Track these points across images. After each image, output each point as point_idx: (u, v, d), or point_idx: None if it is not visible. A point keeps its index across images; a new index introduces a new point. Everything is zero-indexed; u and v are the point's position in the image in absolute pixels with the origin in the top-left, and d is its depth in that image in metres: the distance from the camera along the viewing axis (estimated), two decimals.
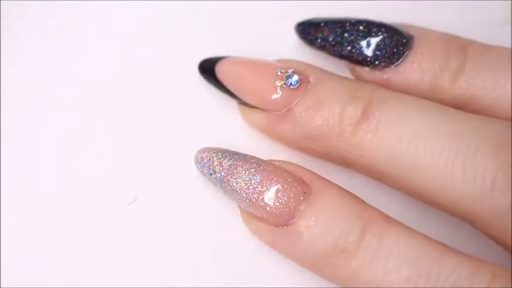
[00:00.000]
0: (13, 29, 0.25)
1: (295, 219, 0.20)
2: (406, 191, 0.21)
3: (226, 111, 0.24)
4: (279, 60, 0.23)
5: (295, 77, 0.22)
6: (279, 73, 0.22)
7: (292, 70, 0.22)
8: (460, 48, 0.22)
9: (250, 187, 0.21)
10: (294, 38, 0.24)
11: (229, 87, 0.23)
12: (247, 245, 0.23)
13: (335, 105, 0.21)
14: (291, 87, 0.22)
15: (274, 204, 0.20)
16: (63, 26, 0.25)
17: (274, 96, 0.22)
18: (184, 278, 0.22)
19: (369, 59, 0.23)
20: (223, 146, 0.22)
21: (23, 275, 0.22)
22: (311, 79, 0.22)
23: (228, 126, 0.24)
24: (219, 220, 0.23)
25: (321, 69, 0.23)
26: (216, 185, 0.22)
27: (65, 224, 0.23)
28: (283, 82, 0.22)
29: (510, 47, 0.22)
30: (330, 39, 0.23)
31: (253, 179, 0.21)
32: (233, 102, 0.24)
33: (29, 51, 0.25)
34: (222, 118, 0.24)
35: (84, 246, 0.23)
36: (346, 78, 0.23)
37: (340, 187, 0.21)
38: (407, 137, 0.20)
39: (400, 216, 0.20)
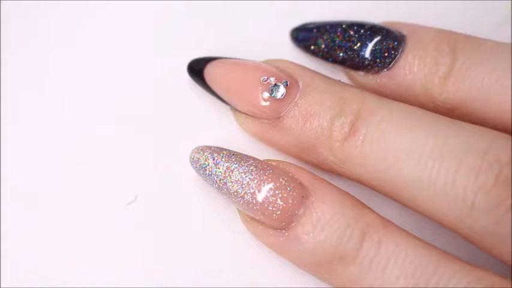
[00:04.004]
0: (13, 29, 0.25)
1: (293, 224, 0.20)
2: (397, 201, 0.20)
3: (226, 110, 0.24)
4: (267, 61, 0.23)
5: (282, 91, 0.21)
6: (262, 81, 0.21)
7: (274, 79, 0.21)
8: (450, 47, 0.21)
9: (248, 191, 0.20)
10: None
11: (218, 92, 0.23)
12: (247, 245, 0.23)
13: (323, 119, 0.21)
14: (279, 98, 0.21)
15: (271, 208, 0.20)
16: (63, 26, 0.25)
17: (263, 104, 0.22)
18: (184, 278, 0.22)
19: (362, 63, 0.23)
20: (222, 145, 0.22)
21: (23, 275, 0.22)
22: (300, 84, 0.22)
23: (228, 126, 0.24)
24: (218, 220, 0.23)
25: (309, 72, 0.22)
26: (213, 186, 0.21)
27: (65, 223, 0.23)
28: (269, 94, 0.21)
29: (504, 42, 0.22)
30: (323, 45, 0.23)
31: (251, 183, 0.20)
32: None
33: (29, 51, 0.25)
34: (222, 117, 0.24)
35: (84, 246, 0.23)
36: (336, 83, 0.22)
37: (340, 189, 0.20)
38: (391, 154, 0.19)
39: (400, 218, 0.20)
